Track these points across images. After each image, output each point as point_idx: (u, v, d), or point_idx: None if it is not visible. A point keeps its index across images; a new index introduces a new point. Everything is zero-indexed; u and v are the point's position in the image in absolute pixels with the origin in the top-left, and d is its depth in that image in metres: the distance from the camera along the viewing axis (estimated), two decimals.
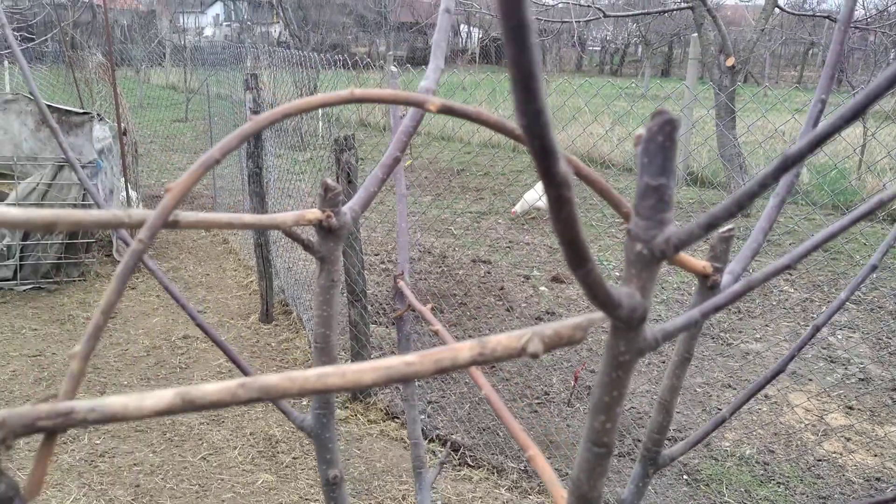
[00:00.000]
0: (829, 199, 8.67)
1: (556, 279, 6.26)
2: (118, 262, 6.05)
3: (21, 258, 5.53)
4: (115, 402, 0.33)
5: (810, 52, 30.51)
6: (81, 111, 5.93)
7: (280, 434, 3.84)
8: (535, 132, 0.24)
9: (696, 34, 8.66)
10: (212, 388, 0.34)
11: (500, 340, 0.35)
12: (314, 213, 0.57)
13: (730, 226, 0.58)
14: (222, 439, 3.77)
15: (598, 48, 38.78)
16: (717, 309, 0.38)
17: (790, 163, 0.31)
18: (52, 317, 5.17)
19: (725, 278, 0.62)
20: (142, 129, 12.31)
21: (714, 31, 7.99)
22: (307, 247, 0.59)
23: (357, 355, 4.13)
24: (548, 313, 5.52)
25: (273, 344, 4.91)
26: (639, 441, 3.76)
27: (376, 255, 6.73)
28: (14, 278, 5.53)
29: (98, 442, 3.68)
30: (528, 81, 0.23)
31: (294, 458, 3.64)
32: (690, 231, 0.33)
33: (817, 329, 0.69)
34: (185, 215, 0.44)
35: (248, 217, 0.52)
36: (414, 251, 6.97)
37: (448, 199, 9.20)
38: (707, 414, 4.07)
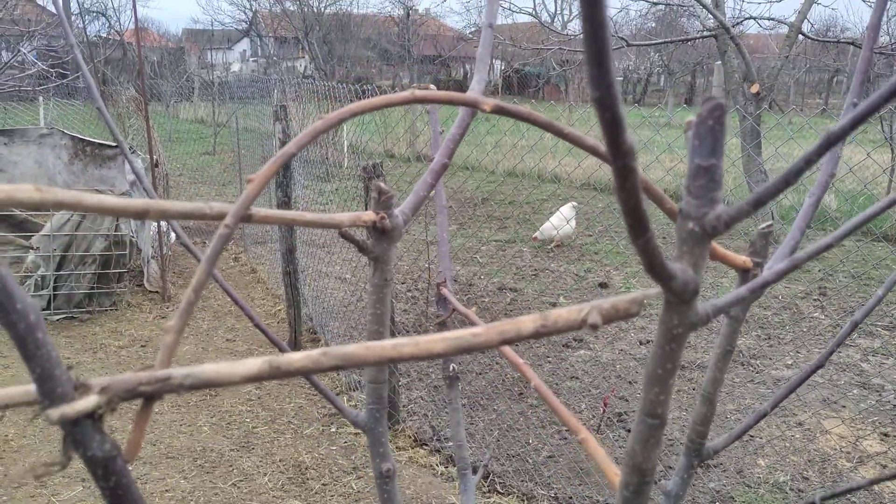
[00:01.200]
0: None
1: None
2: (149, 291, 6.16)
3: (55, 288, 5.64)
4: (209, 368, 0.36)
5: (834, 79, 30.41)
6: (114, 144, 6.08)
7: (310, 461, 3.85)
8: (606, 104, 0.27)
9: (719, 62, 8.68)
10: (297, 357, 0.37)
11: (561, 314, 0.37)
12: (369, 215, 0.60)
13: (769, 222, 0.61)
14: (252, 466, 3.79)
15: (621, 78, 38.94)
16: (765, 285, 0.40)
17: (833, 140, 0.33)
18: (84, 346, 5.26)
19: (765, 274, 0.64)
20: (171, 162, 12.56)
21: (738, 59, 8.02)
22: (362, 248, 0.62)
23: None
24: (576, 340, 5.50)
25: None
26: (670, 468, 3.71)
27: (402, 283, 6.77)
28: (48, 308, 5.64)
29: (130, 468, 3.71)
30: (602, 57, 0.25)
31: (324, 484, 3.64)
32: (740, 208, 0.36)
33: (856, 324, 0.71)
34: (258, 210, 0.47)
35: (310, 215, 0.55)
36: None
37: (473, 228, 9.25)
38: (739, 441, 4.02)
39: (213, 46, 43.47)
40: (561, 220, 7.67)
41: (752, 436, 4.08)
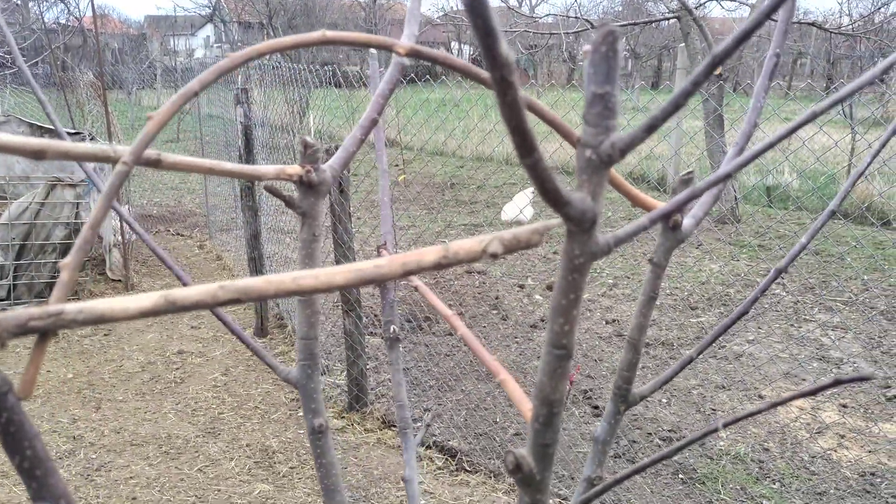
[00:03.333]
0: (819, 203, 8.73)
1: (550, 287, 6.28)
2: (112, 280, 6.07)
3: (15, 277, 5.53)
4: (101, 303, 0.35)
5: (798, 62, 30.79)
6: (73, 131, 5.97)
7: (277, 445, 3.84)
8: (477, 11, 0.27)
9: (683, 44, 8.75)
10: (193, 291, 0.36)
11: (462, 245, 0.37)
12: (295, 169, 0.60)
13: (689, 170, 0.61)
14: (219, 451, 3.77)
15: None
16: (666, 216, 0.40)
17: (718, 60, 0.33)
18: None
19: (687, 222, 0.64)
20: None
21: (701, 41, 8.08)
22: (289, 203, 0.61)
23: (352, 364, 4.14)
24: (543, 321, 5.54)
25: None
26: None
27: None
28: (8, 298, 5.53)
29: (94, 456, 3.68)
30: None
31: (291, 467, 3.64)
32: (633, 135, 0.36)
33: (780, 272, 0.72)
34: (168, 155, 0.47)
35: (229, 165, 0.54)
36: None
37: (443, 213, 9.24)
38: (702, 415, 4.09)
39: (175, 33, 42.70)
40: (523, 203, 7.71)
41: (714, 409, 4.15)
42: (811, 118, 0.41)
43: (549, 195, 0.35)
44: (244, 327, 5.40)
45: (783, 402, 0.47)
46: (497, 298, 6.01)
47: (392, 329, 0.87)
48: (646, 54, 27.71)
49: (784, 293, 6.09)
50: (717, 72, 7.79)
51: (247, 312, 5.62)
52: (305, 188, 0.61)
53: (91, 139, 6.24)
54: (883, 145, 0.67)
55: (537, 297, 6.11)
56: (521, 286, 6.35)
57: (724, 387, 4.45)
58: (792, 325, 5.40)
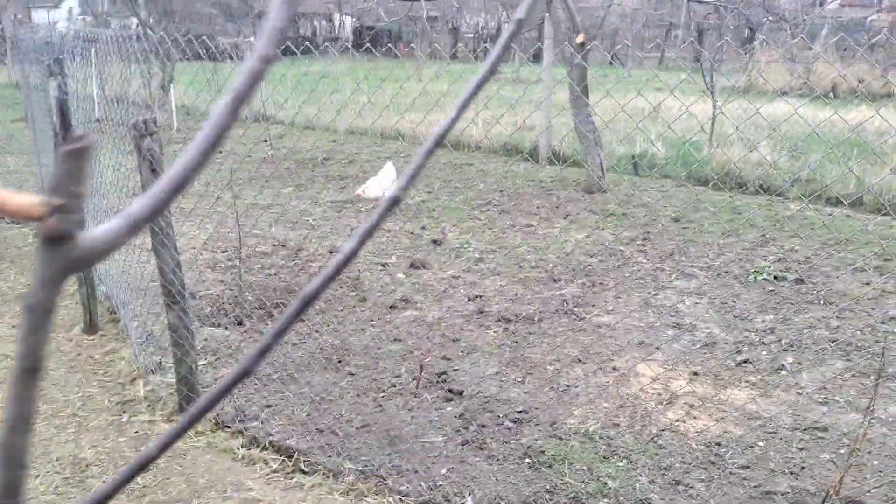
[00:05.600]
0: (683, 171, 8.90)
1: (413, 265, 6.07)
2: None
3: None
4: None
5: (672, 33, 31.76)
6: None
7: (92, 456, 3.44)
8: None
9: (546, 13, 8.66)
10: None
11: None
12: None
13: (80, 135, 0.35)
14: None
15: (472, 35, 38.98)
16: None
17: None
18: None
19: (104, 229, 0.37)
20: None
21: (564, 10, 8.00)
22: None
23: (180, 362, 3.77)
24: (403, 300, 5.31)
25: (97, 356, 4.46)
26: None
27: (224, 251, 6.32)
28: None
29: None
30: None
31: (105, 481, 3.25)
32: None
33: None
34: None
35: None
36: (267, 245, 6.60)
37: (311, 190, 8.85)
38: (555, 392, 3.98)
39: (36, 5, 39.55)
40: (387, 180, 7.44)
41: (567, 385, 4.05)
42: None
43: None
44: (73, 324, 4.91)
45: None
46: (357, 279, 5.74)
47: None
48: (526, 25, 27.79)
49: (645, 261, 6.11)
50: (579, 41, 7.74)
51: (78, 307, 5.10)
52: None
53: None
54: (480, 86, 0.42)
55: (400, 275, 5.88)
56: (385, 265, 6.10)
57: (580, 360, 4.37)
58: (650, 294, 5.41)
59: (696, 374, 4.23)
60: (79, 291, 4.78)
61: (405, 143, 11.69)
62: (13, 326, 4.88)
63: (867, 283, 5.56)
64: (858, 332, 4.69)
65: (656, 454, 3.40)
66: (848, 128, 10.06)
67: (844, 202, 7.00)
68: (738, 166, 8.20)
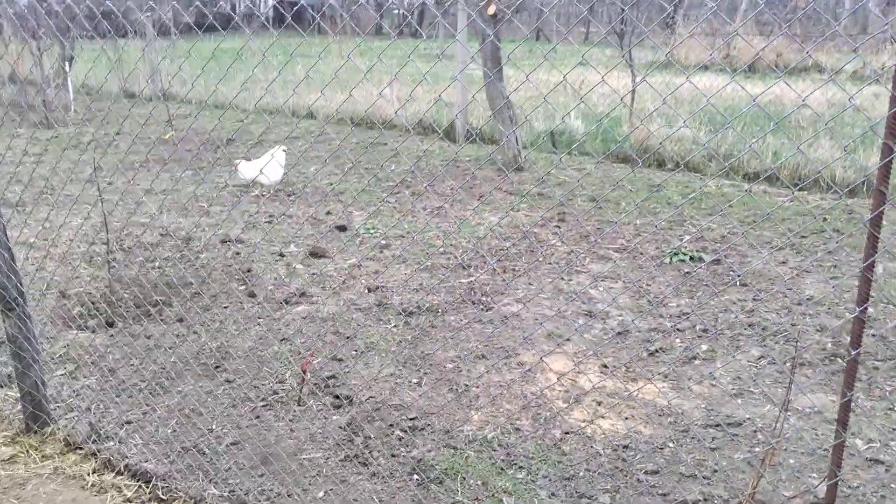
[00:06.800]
0: (602, 146, 8.67)
1: (314, 254, 5.62)
2: None
3: None
4: None
5: (597, 8, 31.74)
6: None
7: None
8: None
9: None
10: None
11: None
12: None
13: None
14: None
15: (397, 10, 38.17)
16: None
17: None
18: None
19: None
20: None
21: None
22: None
23: (23, 376, 3.26)
24: (299, 294, 4.87)
25: None
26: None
27: (105, 243, 5.74)
28: None
29: None
30: None
31: None
32: None
33: None
34: None
35: None
36: (153, 235, 6.04)
37: (212, 173, 8.26)
38: (454, 394, 3.63)
39: None
40: (271, 165, 6.94)
41: (467, 385, 3.70)
42: None
43: None
44: None
45: None
46: (249, 272, 5.27)
47: None
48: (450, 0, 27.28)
49: (559, 243, 5.82)
50: (490, 11, 7.36)
51: None
52: None
53: None
54: None
55: (298, 266, 5.43)
56: (282, 255, 5.64)
57: (483, 356, 4.03)
58: (562, 279, 5.11)
59: (605, 366, 3.94)
60: None
61: (316, 123, 11.16)
62: None
63: (783, 262, 5.40)
64: (774, 314, 4.50)
65: (559, 462, 3.09)
66: (766, 101, 9.99)
67: (760, 177, 6.86)
68: (657, 142, 8.00)
